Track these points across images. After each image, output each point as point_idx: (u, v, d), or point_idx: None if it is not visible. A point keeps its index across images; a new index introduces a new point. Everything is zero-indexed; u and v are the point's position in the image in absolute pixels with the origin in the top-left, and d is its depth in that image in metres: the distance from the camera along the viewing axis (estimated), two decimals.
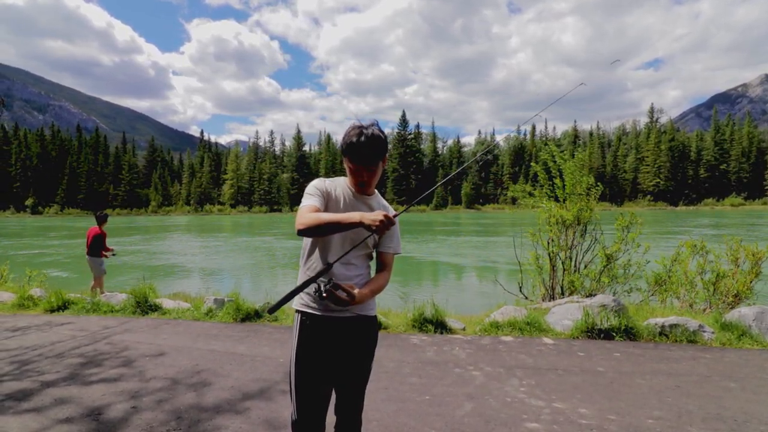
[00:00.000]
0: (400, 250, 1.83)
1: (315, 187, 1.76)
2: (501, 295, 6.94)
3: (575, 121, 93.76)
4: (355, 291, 1.60)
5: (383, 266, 1.80)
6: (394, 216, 1.55)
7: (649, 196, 78.08)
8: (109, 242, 8.11)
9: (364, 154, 1.64)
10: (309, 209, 1.67)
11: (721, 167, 78.35)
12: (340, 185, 1.79)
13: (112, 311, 6.17)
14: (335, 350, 1.72)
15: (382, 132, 1.71)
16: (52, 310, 6.33)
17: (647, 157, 79.81)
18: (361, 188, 1.75)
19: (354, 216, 1.52)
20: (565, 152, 6.83)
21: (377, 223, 1.47)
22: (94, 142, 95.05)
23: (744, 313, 4.53)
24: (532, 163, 7.24)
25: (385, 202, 1.87)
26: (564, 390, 3.14)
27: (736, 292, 5.90)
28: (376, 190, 1.85)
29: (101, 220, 7.86)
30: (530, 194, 7.13)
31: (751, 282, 5.92)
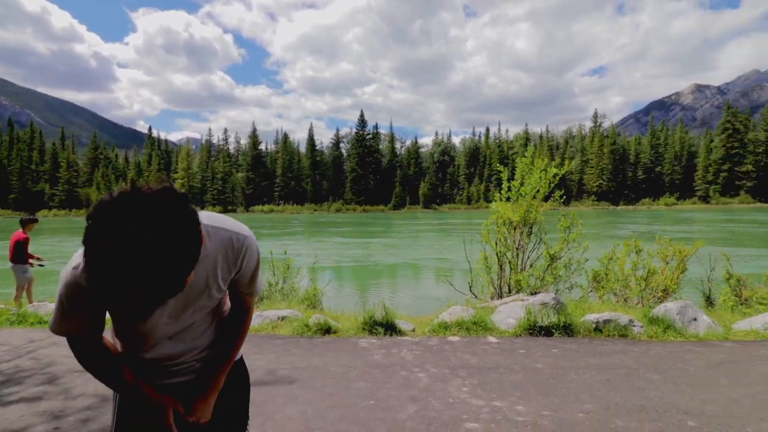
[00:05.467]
0: (261, 287, 1.26)
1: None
2: (453, 295, 7.10)
3: (526, 124, 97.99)
4: (197, 410, 1.13)
5: (244, 310, 1.24)
6: None
7: (593, 197, 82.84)
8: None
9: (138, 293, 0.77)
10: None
11: (657, 169, 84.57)
12: None
13: (41, 323, 5.69)
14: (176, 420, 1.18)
15: (170, 204, 0.80)
16: None
17: (591, 159, 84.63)
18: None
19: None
20: (523, 155, 7.05)
21: None
22: (28, 138, 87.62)
23: (669, 307, 4.89)
24: (495, 166, 7.46)
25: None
26: (504, 388, 3.25)
27: (664, 287, 6.38)
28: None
29: (25, 224, 7.25)
30: (487, 200, 7.35)
31: (677, 278, 6.41)
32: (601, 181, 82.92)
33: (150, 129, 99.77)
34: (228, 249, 1.07)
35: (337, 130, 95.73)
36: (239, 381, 1.32)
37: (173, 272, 0.78)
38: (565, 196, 7.06)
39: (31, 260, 7.22)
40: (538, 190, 6.76)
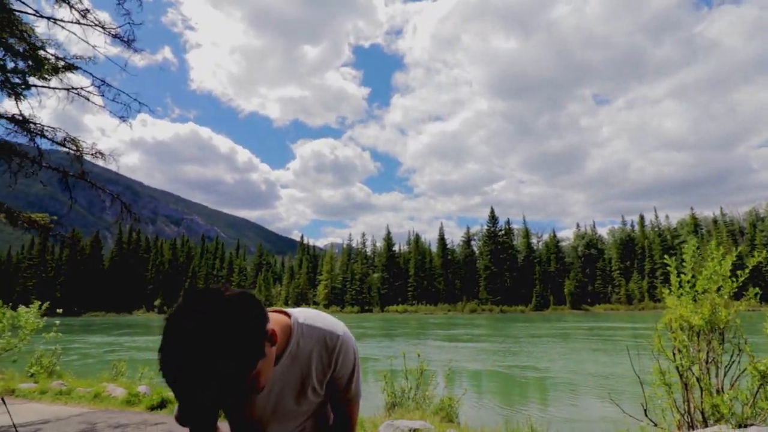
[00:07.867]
0: (360, 393, 1.18)
1: None
2: (620, 419, 5.73)
3: (692, 208, 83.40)
4: None
5: (347, 420, 1.18)
6: None
7: None
8: None
9: (184, 389, 0.78)
10: None
11: None
12: None
13: None
14: None
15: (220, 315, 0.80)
16: (152, 408, 6.66)
17: None
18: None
19: None
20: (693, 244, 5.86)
21: None
22: (214, 249, 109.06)
23: None
24: (665, 257, 6.30)
25: None
26: None
27: None
28: None
29: None
30: (654, 299, 6.16)
31: None
32: None
33: (302, 237, 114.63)
34: (322, 348, 1.06)
35: (468, 228, 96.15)
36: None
37: (220, 376, 0.78)
38: (762, 293, 5.44)
39: None
40: (722, 286, 5.40)
